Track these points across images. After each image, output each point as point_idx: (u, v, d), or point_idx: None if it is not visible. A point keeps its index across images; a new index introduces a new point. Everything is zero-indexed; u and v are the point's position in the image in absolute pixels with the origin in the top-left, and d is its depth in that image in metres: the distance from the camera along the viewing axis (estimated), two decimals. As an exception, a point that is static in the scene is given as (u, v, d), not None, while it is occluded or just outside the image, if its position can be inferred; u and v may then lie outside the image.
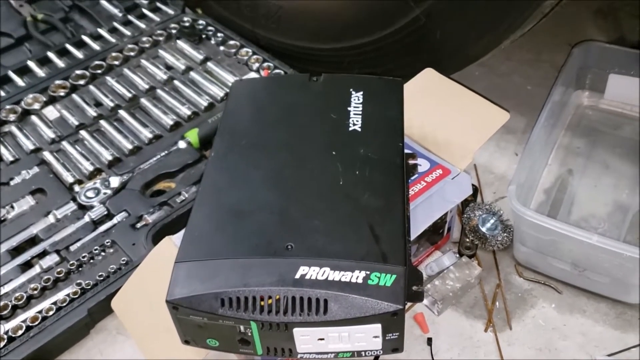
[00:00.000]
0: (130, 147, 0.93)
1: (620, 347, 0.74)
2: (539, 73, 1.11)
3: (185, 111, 0.98)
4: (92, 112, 0.99)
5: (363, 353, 0.54)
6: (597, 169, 0.92)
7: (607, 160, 0.93)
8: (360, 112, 0.66)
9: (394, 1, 0.87)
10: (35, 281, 0.78)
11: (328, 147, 0.63)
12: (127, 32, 1.14)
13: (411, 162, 0.72)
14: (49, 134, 0.96)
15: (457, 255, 0.81)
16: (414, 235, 0.68)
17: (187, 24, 1.14)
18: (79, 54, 1.10)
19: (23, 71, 1.08)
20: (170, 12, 1.18)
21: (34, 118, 0.99)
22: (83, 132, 0.96)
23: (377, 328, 0.51)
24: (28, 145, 0.94)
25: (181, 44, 1.11)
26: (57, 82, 1.04)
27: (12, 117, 0.99)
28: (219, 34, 1.12)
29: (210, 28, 1.13)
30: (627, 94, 0.97)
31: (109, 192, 0.87)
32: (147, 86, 1.03)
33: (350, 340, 0.52)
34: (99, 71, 1.06)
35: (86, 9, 1.22)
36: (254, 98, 0.72)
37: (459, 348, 0.75)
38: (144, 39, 1.12)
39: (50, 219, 0.84)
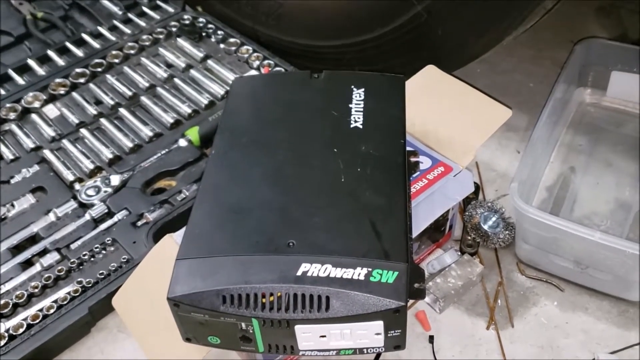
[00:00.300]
0: (130, 145, 0.93)
1: (622, 345, 0.73)
2: (541, 70, 1.11)
3: (185, 109, 0.98)
4: (92, 110, 0.99)
5: (365, 350, 0.54)
6: (600, 166, 0.92)
7: (610, 157, 0.93)
8: (362, 109, 0.66)
9: (395, -2, 0.87)
10: (36, 279, 0.77)
11: (329, 145, 0.63)
12: (127, 30, 1.13)
13: (413, 159, 0.72)
14: (49, 132, 0.96)
15: (459, 253, 0.80)
16: (415, 232, 0.67)
17: (187, 22, 1.14)
18: (79, 52, 1.09)
19: (23, 69, 1.07)
20: (171, 10, 1.18)
21: (34, 116, 0.99)
22: (83, 131, 0.96)
23: (379, 325, 0.51)
24: (28, 143, 0.94)
25: (181, 41, 1.11)
26: (57, 80, 1.04)
27: (12, 115, 0.99)
28: (219, 32, 1.11)
29: (210, 26, 1.13)
30: (629, 91, 0.97)
31: (109, 190, 0.86)
32: (147, 84, 1.03)
33: (352, 338, 0.52)
34: (99, 69, 1.06)
35: (86, 7, 1.22)
36: (255, 95, 0.72)
37: (460, 346, 0.74)
38: (144, 37, 1.11)
39: (51, 217, 0.84)
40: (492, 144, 0.99)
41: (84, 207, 0.85)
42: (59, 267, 0.78)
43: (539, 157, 0.88)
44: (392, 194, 0.58)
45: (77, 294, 0.76)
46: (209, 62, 1.07)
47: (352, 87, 0.69)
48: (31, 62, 1.08)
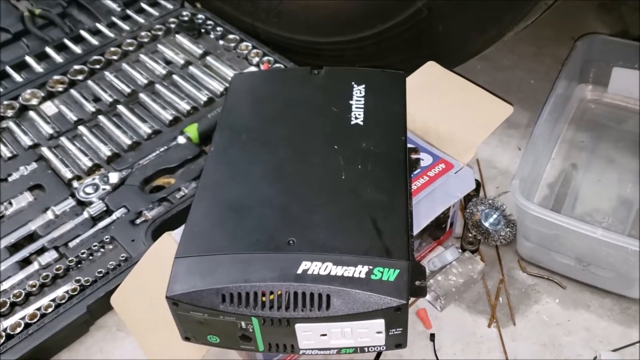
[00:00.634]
0: (129, 142, 0.92)
1: (624, 343, 0.73)
2: (542, 67, 1.10)
3: (184, 106, 0.97)
4: (90, 107, 0.98)
5: (366, 349, 0.53)
6: (601, 163, 0.91)
7: (611, 154, 0.92)
8: (362, 106, 0.66)
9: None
10: (33, 278, 0.77)
11: (330, 141, 0.62)
12: (126, 27, 1.13)
13: (414, 156, 0.71)
14: (47, 129, 0.95)
15: (460, 251, 0.80)
16: (416, 230, 0.67)
17: (186, 18, 1.13)
18: (77, 49, 1.09)
19: (21, 66, 1.07)
20: (169, 6, 1.17)
21: (32, 114, 0.99)
22: (81, 128, 0.95)
23: (380, 323, 0.50)
24: (26, 141, 0.94)
25: (180, 38, 1.10)
26: (55, 77, 1.03)
27: (9, 112, 0.98)
28: (218, 28, 1.11)
29: (209, 22, 1.12)
30: (630, 88, 0.97)
31: (108, 188, 0.86)
32: (146, 81, 1.02)
33: (353, 336, 0.52)
34: (98, 66, 1.05)
35: (84, 3, 1.21)
36: (254, 92, 0.71)
37: (462, 344, 0.74)
38: (143, 33, 1.11)
39: (49, 215, 0.84)
40: (493, 140, 0.98)
41: (82, 205, 0.85)
42: (57, 266, 0.78)
43: (540, 154, 0.88)
44: (393, 191, 0.58)
45: (76, 293, 0.75)
46: (208, 58, 1.06)
47: (353, 83, 0.68)
48: (29, 59, 1.07)
